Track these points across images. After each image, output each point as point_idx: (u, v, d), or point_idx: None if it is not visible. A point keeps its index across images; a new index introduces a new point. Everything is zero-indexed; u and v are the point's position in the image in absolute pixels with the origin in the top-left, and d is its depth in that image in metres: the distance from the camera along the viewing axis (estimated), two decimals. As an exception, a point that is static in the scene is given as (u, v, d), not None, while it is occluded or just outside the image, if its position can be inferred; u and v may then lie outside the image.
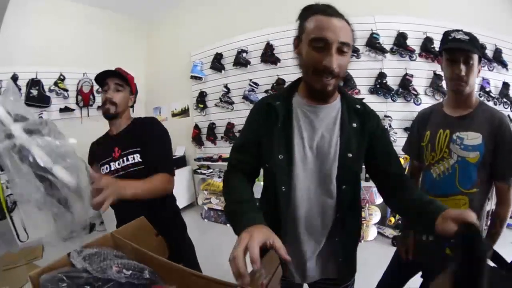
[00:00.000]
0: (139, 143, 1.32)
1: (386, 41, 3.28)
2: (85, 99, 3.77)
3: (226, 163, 3.54)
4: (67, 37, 3.70)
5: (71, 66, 3.68)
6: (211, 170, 3.95)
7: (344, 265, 0.99)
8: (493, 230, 1.25)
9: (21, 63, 3.23)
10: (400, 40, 3.24)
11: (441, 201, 1.19)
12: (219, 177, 3.82)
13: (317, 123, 0.91)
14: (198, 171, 4.09)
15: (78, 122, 3.77)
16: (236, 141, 1.06)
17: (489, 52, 3.31)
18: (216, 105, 3.94)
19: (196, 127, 4.12)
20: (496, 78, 3.34)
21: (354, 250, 1.05)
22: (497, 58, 3.31)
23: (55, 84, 3.51)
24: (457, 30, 1.26)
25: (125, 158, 1.31)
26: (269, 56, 3.58)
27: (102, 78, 1.36)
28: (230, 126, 3.85)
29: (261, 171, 1.03)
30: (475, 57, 1.19)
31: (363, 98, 3.13)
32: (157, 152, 1.32)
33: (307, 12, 0.85)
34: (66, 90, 3.60)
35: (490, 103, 3.24)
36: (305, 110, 0.92)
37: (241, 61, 3.71)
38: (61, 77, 3.56)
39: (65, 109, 3.63)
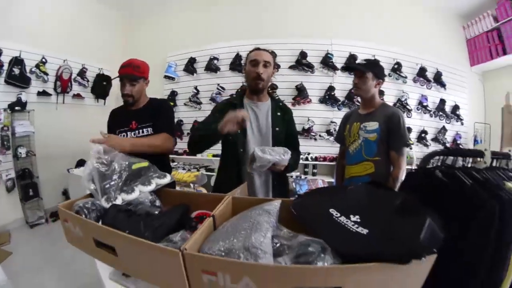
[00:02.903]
0: (152, 119, 1.66)
1: (339, 60, 3.74)
2: (63, 86, 3.80)
3: (190, 157, 3.79)
4: (54, 21, 3.74)
5: (54, 51, 3.68)
6: (175, 163, 4.15)
7: (277, 188, 1.53)
8: (388, 186, 1.69)
9: (6, 38, 3.23)
10: (351, 60, 3.70)
11: (355, 167, 1.86)
12: (183, 168, 4.05)
13: (258, 112, 1.56)
14: (163, 163, 4.27)
15: (53, 108, 3.77)
16: (197, 125, 1.53)
17: (430, 74, 3.88)
18: (185, 104, 4.23)
19: (165, 122, 4.35)
20: (434, 95, 3.90)
21: (286, 183, 1.65)
22: (437, 80, 3.88)
23: (37, 66, 3.50)
24: (364, 59, 1.98)
25: (140, 130, 1.66)
26: (237, 65, 3.98)
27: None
28: (196, 124, 4.10)
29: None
30: (369, 74, 1.75)
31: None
32: (163, 121, 1.66)
33: (250, 52, 1.56)
34: (47, 74, 3.61)
35: (427, 115, 3.84)
36: (251, 105, 1.56)
37: (212, 67, 4.09)
38: (43, 60, 3.56)
39: (43, 93, 3.60)
